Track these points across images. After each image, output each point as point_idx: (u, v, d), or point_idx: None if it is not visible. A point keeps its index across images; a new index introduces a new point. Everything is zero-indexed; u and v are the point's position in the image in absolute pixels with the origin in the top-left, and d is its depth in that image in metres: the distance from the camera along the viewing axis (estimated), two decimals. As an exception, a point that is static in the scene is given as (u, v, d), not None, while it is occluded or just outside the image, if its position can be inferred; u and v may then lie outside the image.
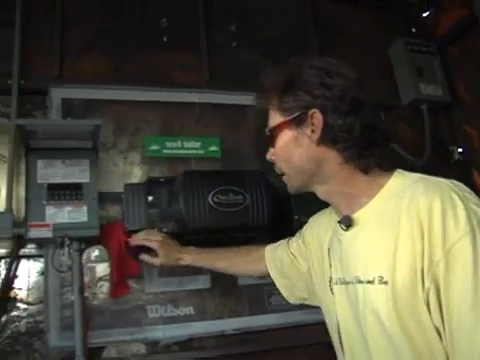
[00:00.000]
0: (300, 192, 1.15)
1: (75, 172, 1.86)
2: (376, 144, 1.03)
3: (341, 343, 1.15)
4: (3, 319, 1.84)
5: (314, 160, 1.04)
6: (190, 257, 1.57)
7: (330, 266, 1.16)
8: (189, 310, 1.95)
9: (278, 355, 2.00)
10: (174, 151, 2.04)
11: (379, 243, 0.96)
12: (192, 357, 1.86)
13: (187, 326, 1.91)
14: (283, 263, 1.41)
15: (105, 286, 1.92)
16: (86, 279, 1.91)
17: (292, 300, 1.42)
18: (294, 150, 1.06)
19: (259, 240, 1.85)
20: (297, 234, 1.43)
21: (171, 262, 1.61)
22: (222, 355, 1.89)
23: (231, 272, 1.57)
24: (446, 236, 0.84)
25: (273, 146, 1.11)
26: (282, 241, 1.47)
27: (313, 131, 1.02)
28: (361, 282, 0.99)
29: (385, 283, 0.92)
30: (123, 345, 1.92)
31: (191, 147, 2.06)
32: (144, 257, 1.65)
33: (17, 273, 1.90)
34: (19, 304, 1.88)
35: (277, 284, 1.43)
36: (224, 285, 1.97)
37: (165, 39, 2.24)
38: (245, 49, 2.39)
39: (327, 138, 1.02)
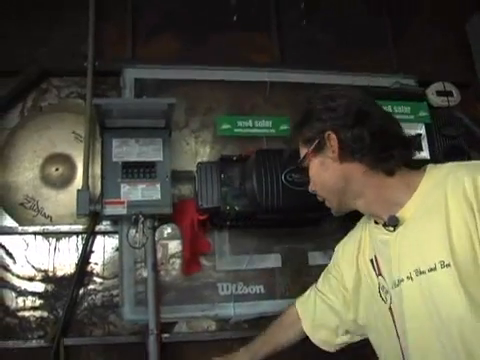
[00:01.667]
0: (343, 213, 1.24)
1: (149, 151, 1.97)
2: (391, 147, 1.12)
3: (401, 349, 1.14)
4: (81, 292, 2.00)
5: (342, 177, 1.15)
6: (248, 358, 1.51)
7: (378, 275, 1.20)
8: (259, 288, 2.03)
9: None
10: (245, 130, 2.12)
11: (431, 231, 1.01)
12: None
13: (257, 304, 1.99)
14: (320, 304, 1.44)
15: (177, 263, 2.02)
16: (159, 256, 2.02)
17: (333, 349, 1.44)
18: (324, 174, 1.18)
19: (330, 221, 1.90)
20: (323, 273, 1.48)
21: None
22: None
23: (279, 347, 1.51)
24: None
25: (308, 177, 1.23)
26: (309, 290, 1.51)
27: (333, 151, 1.14)
28: (422, 273, 1.02)
29: (448, 266, 0.97)
30: (194, 321, 2.02)
31: (262, 126, 2.13)
32: None
33: (93, 249, 2.05)
34: (95, 278, 2.02)
35: (313, 339, 1.44)
36: (295, 264, 2.04)
37: (235, 18, 2.31)
38: (315, 28, 2.42)
39: (346, 153, 1.13)
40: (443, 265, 1.00)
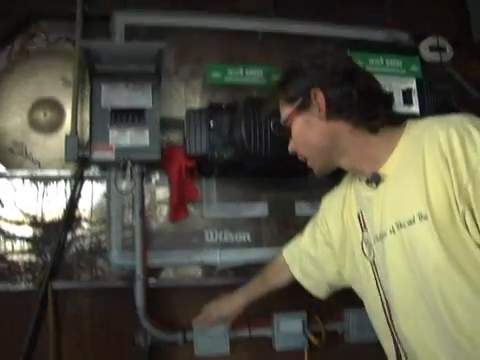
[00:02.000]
0: (326, 173, 1.26)
1: (138, 96, 1.97)
2: (377, 105, 1.15)
3: (386, 304, 1.18)
4: (69, 237, 2.03)
5: (328, 136, 1.16)
6: (244, 300, 1.66)
7: (363, 230, 1.24)
8: (246, 236, 2.06)
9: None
10: (236, 79, 2.12)
11: (410, 185, 1.05)
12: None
13: (243, 252, 2.02)
14: (304, 258, 1.51)
15: (165, 210, 2.05)
16: (146, 202, 2.04)
17: (323, 296, 1.55)
18: (308, 133, 1.19)
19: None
20: (309, 227, 1.52)
21: (235, 315, 1.73)
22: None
23: (274, 288, 1.65)
24: (468, 160, 0.96)
25: (291, 136, 1.23)
26: (296, 239, 1.57)
27: (319, 109, 1.14)
28: (403, 226, 1.06)
29: (425, 218, 1.00)
30: (181, 268, 2.06)
31: (253, 75, 2.13)
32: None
33: (81, 194, 2.07)
34: (83, 223, 2.05)
35: (303, 285, 1.54)
36: (282, 214, 2.06)
37: (229, -35, 2.28)
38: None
39: (332, 111, 1.14)
40: (421, 217, 1.03)
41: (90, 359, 2.01)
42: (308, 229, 1.53)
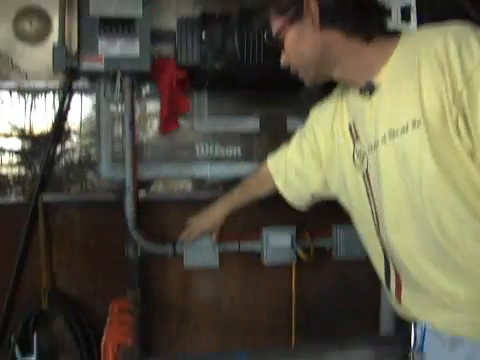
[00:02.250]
0: (317, 83, 1.21)
1: (128, 4, 1.90)
2: (370, 14, 1.11)
3: (376, 216, 1.16)
4: (58, 150, 2.03)
5: (321, 46, 1.12)
6: (225, 210, 1.67)
7: (355, 141, 1.21)
8: (236, 151, 2.06)
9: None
10: (229, -12, 2.04)
11: (404, 92, 1.02)
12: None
13: (233, 166, 2.03)
14: (290, 169, 1.48)
15: (155, 123, 2.04)
16: (136, 115, 2.01)
17: (303, 207, 1.53)
18: (301, 44, 1.14)
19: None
20: (296, 137, 1.48)
21: (218, 226, 1.73)
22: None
23: (257, 198, 1.64)
24: (464, 67, 0.93)
25: (284, 49, 1.18)
26: (282, 149, 1.53)
27: (312, 18, 1.09)
28: (396, 134, 1.04)
29: (418, 125, 0.98)
30: (171, 181, 2.07)
31: (247, -15, 2.05)
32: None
33: (70, 106, 2.04)
34: (72, 136, 2.04)
35: (285, 196, 1.51)
36: (273, 129, 2.05)
37: None
38: None
39: (326, 20, 1.09)
40: (414, 124, 1.01)
41: (81, 271, 2.06)
42: (295, 140, 1.49)
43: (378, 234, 1.19)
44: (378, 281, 1.95)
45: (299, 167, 1.47)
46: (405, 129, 1.03)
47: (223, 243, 1.99)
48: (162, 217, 2.04)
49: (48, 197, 1.98)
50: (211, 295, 2.12)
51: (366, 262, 1.99)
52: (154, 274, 2.07)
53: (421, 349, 1.19)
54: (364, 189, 1.20)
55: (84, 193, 2.03)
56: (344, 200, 1.32)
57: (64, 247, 2.03)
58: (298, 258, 2.02)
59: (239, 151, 2.05)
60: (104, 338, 1.44)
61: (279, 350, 1.50)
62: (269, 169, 1.57)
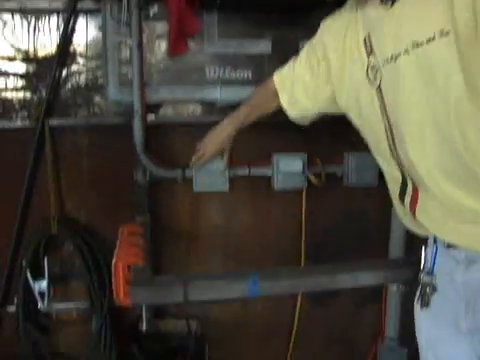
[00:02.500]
0: None
1: None
2: None
3: (390, 131, 1.14)
4: (64, 73, 1.97)
5: None
6: (232, 130, 1.67)
7: (369, 55, 1.15)
8: (247, 74, 2.00)
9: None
10: None
11: (431, 1, 0.96)
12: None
13: (244, 89, 1.92)
14: (297, 83, 1.45)
15: (164, 45, 1.97)
16: (144, 37, 1.93)
17: (306, 123, 1.53)
18: None
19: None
20: (305, 49, 1.44)
21: (226, 148, 1.75)
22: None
23: (264, 115, 1.62)
24: None
25: None
26: (289, 64, 1.50)
27: None
28: (420, 45, 0.98)
29: (447, 34, 0.92)
30: (180, 104, 2.02)
31: None
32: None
33: (75, 28, 1.97)
34: (78, 59, 1.98)
35: (289, 113, 1.50)
36: (285, 52, 1.96)
37: None
38: None
39: None
40: (442, 34, 0.95)
41: (89, 196, 2.04)
42: (304, 53, 1.45)
43: (392, 149, 1.16)
44: (389, 208, 1.97)
45: (307, 81, 1.43)
46: (431, 39, 0.97)
47: (233, 168, 1.96)
48: (171, 141, 2.01)
49: (55, 122, 1.94)
50: (220, 220, 2.11)
51: (376, 190, 2.03)
52: (163, 199, 2.05)
53: (431, 271, 1.18)
54: (378, 105, 1.16)
55: (91, 117, 1.98)
56: (354, 115, 1.29)
57: (72, 172, 2.01)
58: (309, 184, 1.99)
59: (250, 74, 1.98)
60: (114, 259, 1.42)
61: (287, 270, 1.49)
62: (275, 84, 1.54)
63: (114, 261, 1.44)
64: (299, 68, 1.49)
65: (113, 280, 1.45)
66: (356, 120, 1.31)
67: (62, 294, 2.07)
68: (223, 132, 1.70)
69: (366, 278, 1.46)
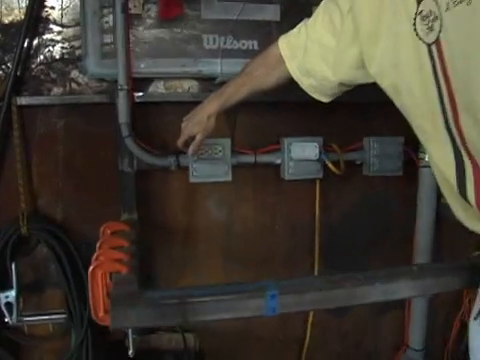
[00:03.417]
0: None
1: None
2: None
3: (448, 96, 0.91)
4: (35, 42, 1.67)
5: None
6: (215, 108, 1.36)
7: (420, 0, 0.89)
8: (252, 44, 1.71)
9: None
10: None
11: None
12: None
13: None
14: (312, 47, 1.20)
15: (154, 9, 1.67)
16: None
17: (326, 99, 1.26)
18: None
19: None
20: (323, 2, 1.19)
21: (209, 130, 1.39)
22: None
23: (259, 91, 1.33)
24: None
25: None
26: (299, 26, 1.25)
27: None
28: None
29: None
30: (173, 79, 1.75)
31: None
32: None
33: (48, -13, 1.64)
34: (52, 26, 1.67)
35: (301, 84, 1.24)
36: (296, 18, 1.66)
37: None
38: None
39: None
40: None
41: (67, 187, 1.75)
42: (320, 9, 1.20)
43: (446, 119, 0.91)
44: (414, 200, 1.70)
45: (325, 43, 1.17)
46: None
47: (236, 154, 1.72)
48: (163, 123, 1.73)
49: (24, 100, 1.65)
50: (221, 215, 1.85)
51: (401, 179, 1.76)
52: (154, 191, 1.78)
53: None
54: (429, 65, 0.90)
55: (68, 95, 1.70)
56: (389, 82, 1.03)
57: (46, 161, 1.72)
58: (324, 173, 1.75)
59: (255, 44, 1.71)
60: (92, 265, 1.10)
61: (313, 280, 1.17)
62: (281, 51, 1.26)
63: (91, 268, 1.12)
64: (314, 28, 1.21)
65: (90, 292, 1.13)
66: (391, 89, 1.04)
67: (35, 305, 1.77)
68: (202, 111, 1.40)
69: (410, 288, 1.16)
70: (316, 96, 1.27)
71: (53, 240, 1.69)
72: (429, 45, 0.90)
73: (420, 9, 0.91)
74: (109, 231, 1.49)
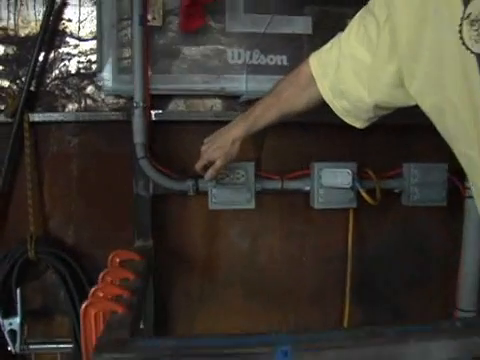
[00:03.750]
0: None
1: None
2: None
3: None
4: (51, 56, 1.59)
5: None
6: (241, 132, 1.25)
7: (467, 3, 0.77)
8: (281, 59, 1.58)
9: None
10: None
11: None
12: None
13: (277, 79, 1.45)
14: (345, 64, 1.07)
15: (175, 22, 1.56)
16: (150, 11, 1.53)
17: (360, 124, 1.12)
18: None
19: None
20: (357, 16, 1.06)
21: (232, 155, 1.29)
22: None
23: (289, 114, 1.20)
24: None
25: None
26: (331, 42, 1.12)
27: None
28: None
29: None
30: (194, 97, 1.63)
31: None
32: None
33: (66, 1, 1.58)
34: (69, 39, 1.59)
35: (334, 107, 1.11)
36: (330, 32, 1.49)
37: None
38: None
39: None
40: None
41: (79, 210, 1.65)
42: (355, 22, 1.06)
43: None
44: (458, 237, 1.50)
45: (360, 59, 1.03)
46: None
47: (261, 180, 1.58)
48: (182, 144, 1.61)
49: (37, 117, 1.56)
50: (244, 245, 1.70)
51: (444, 211, 1.56)
52: (171, 217, 1.65)
53: None
54: (478, 80, 0.78)
55: (83, 112, 1.60)
56: (432, 103, 0.91)
57: (58, 181, 1.62)
58: (359, 202, 1.58)
59: (284, 59, 1.57)
60: (86, 303, 0.97)
61: (336, 334, 0.99)
62: (312, 69, 1.12)
63: (84, 305, 0.99)
64: (348, 42, 1.06)
65: (81, 332, 1.03)
66: (434, 112, 0.91)
67: (43, 332, 1.66)
68: (227, 134, 1.28)
69: (452, 348, 0.97)
70: (349, 121, 1.12)
71: (61, 266, 1.58)
72: (478, 56, 0.76)
73: (468, 12, 0.76)
74: (118, 260, 1.35)
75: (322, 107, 1.13)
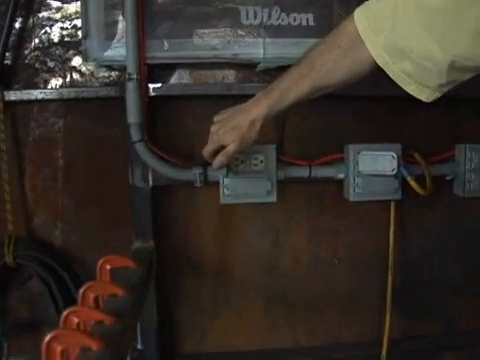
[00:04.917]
0: None
1: None
2: None
3: None
4: (29, 22, 1.34)
5: None
6: (262, 111, 1.00)
7: None
8: (307, 18, 1.30)
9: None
10: None
11: None
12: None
13: (302, 43, 1.26)
14: (405, 14, 0.83)
15: (174, -28, 1.30)
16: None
17: (427, 94, 0.86)
18: None
19: None
20: None
21: (249, 140, 1.04)
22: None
23: (325, 87, 0.97)
24: None
25: None
26: None
27: None
28: None
29: None
30: (201, 68, 1.37)
31: None
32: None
33: (45, -45, 1.34)
34: (49, 1, 1.34)
35: (393, 74, 0.87)
36: None
37: None
38: None
39: None
40: None
41: (68, 205, 1.40)
42: None
43: None
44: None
45: (432, 3, 0.79)
46: None
47: (284, 167, 1.32)
48: (187, 124, 1.37)
49: (14, 95, 1.32)
50: (264, 246, 1.47)
51: None
52: (176, 213, 1.41)
53: None
54: None
55: (69, 88, 1.36)
56: None
57: (41, 171, 1.39)
58: (403, 193, 1.33)
59: (311, 19, 1.29)
60: (49, 335, 0.68)
61: None
62: (358, 25, 0.88)
63: (47, 339, 0.71)
64: None
65: None
66: None
67: (31, 347, 1.42)
68: (246, 113, 1.03)
69: None
70: (412, 90, 0.87)
71: (46, 273, 1.35)
72: None
73: None
74: (108, 267, 1.09)
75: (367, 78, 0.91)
